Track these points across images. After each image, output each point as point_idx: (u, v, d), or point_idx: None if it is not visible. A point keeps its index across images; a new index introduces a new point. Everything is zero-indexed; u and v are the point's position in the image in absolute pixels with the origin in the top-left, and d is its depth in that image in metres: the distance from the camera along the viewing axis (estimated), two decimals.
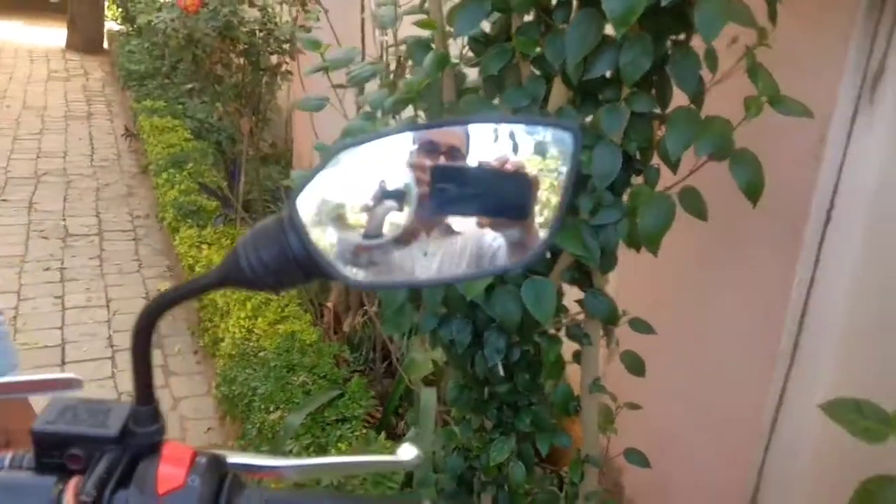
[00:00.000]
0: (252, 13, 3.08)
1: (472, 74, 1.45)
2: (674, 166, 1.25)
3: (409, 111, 1.50)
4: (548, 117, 1.28)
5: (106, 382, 3.18)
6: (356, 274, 0.55)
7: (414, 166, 0.55)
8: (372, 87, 1.65)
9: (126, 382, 3.17)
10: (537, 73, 1.31)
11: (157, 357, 3.40)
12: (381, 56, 2.31)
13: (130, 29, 8.00)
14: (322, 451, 2.21)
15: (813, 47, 1.45)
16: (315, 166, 0.55)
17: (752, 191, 1.14)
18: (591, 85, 1.24)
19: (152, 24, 2.98)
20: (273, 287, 0.58)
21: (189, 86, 6.19)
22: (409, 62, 2.00)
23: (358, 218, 0.54)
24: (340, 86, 1.63)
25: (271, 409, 2.36)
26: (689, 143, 1.15)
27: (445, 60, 1.24)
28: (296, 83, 3.50)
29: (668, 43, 1.20)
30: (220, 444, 2.82)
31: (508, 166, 0.55)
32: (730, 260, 1.69)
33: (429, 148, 0.56)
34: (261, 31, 3.09)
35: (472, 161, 0.55)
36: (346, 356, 2.74)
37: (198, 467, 0.61)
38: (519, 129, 0.56)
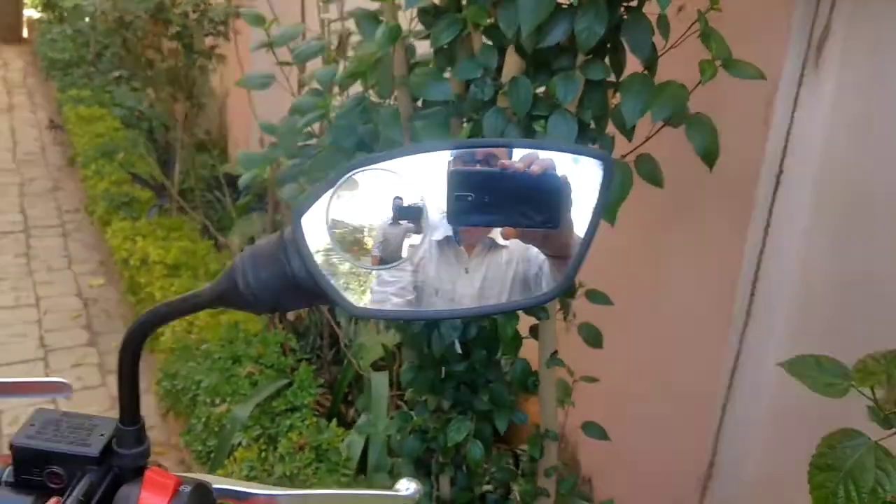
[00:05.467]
0: None
1: (421, 47, 1.42)
2: (629, 134, 1.23)
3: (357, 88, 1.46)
4: (501, 87, 1.26)
5: None
6: (364, 301, 0.51)
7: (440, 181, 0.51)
8: (315, 64, 1.60)
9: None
10: (489, 43, 1.28)
11: (92, 355, 3.29)
12: (323, 32, 2.25)
13: (52, 16, 7.69)
14: (272, 441, 2.16)
15: (759, 12, 1.45)
16: (322, 184, 0.51)
17: (709, 155, 1.13)
18: (545, 54, 1.22)
19: (80, 6, 2.85)
20: (271, 309, 0.54)
21: (116, 73, 6.01)
22: (352, 38, 1.95)
23: (370, 240, 0.50)
24: (286, 63, 1.57)
25: (217, 401, 2.29)
26: (645, 109, 1.14)
27: (397, 32, 1.20)
28: (230, 66, 3.40)
29: (622, 10, 1.18)
30: (162, 441, 2.74)
31: (535, 167, 0.51)
32: (684, 227, 1.69)
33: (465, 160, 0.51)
34: (194, 11, 2.98)
35: (495, 166, 0.51)
36: (293, 344, 2.68)
37: (181, 497, 0.59)
38: (552, 155, 0.52)
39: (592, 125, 1.28)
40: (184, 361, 2.51)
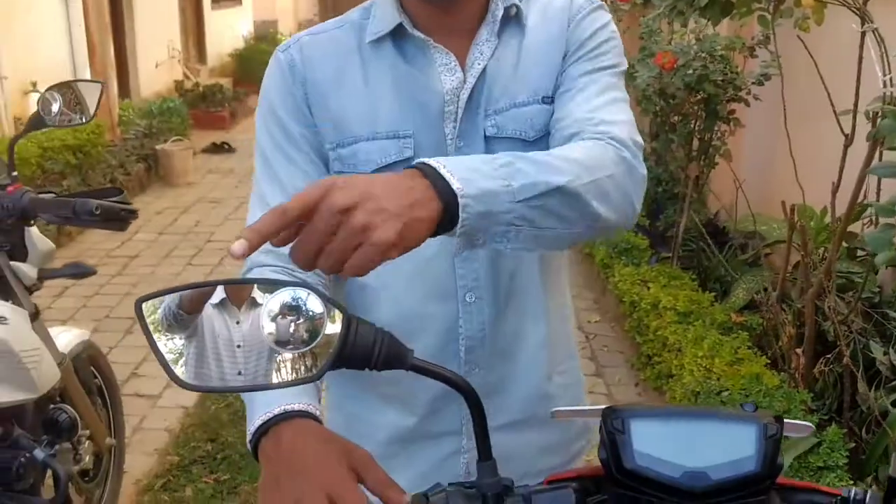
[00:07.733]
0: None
1: None
2: None
3: None
4: None
5: None
6: None
7: None
8: None
9: None
10: None
11: (600, 385, 3.68)
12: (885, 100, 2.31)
13: None
14: None
15: None
16: None
17: None
18: None
19: (635, 82, 3.29)
20: None
21: None
22: None
23: None
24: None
25: None
26: None
27: None
28: (744, 130, 3.60)
29: None
30: None
31: None
32: None
33: None
34: (722, 80, 3.24)
35: None
36: (809, 403, 2.75)
37: None
38: None
39: None
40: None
